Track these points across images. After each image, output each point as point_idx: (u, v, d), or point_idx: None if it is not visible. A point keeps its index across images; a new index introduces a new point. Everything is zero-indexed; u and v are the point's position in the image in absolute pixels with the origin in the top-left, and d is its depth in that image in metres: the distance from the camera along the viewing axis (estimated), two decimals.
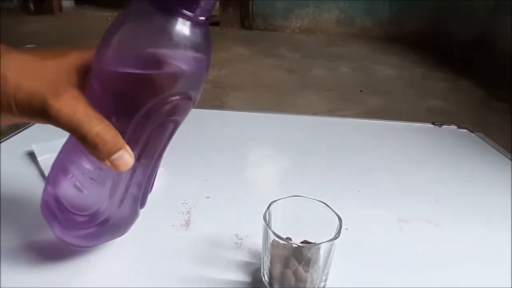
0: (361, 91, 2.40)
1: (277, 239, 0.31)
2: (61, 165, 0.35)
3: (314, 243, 0.35)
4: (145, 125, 0.30)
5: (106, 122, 0.29)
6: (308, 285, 0.33)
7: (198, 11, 0.28)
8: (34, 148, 0.57)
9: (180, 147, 0.52)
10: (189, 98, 0.31)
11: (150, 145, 0.32)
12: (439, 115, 2.09)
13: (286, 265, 0.33)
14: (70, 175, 0.34)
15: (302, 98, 2.19)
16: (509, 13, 2.72)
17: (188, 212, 0.47)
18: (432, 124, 0.83)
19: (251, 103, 1.99)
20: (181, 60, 0.29)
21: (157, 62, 0.28)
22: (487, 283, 0.40)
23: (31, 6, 4.38)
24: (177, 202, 0.49)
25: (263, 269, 0.35)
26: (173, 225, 0.44)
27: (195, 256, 0.40)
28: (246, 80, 2.30)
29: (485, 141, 0.77)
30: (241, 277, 0.38)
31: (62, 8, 4.56)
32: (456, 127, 0.83)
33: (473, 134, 0.80)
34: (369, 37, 4.04)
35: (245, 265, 0.39)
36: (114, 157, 0.29)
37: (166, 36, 0.28)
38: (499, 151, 0.71)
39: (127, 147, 0.29)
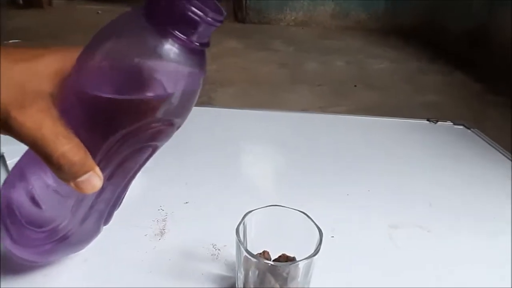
0: (355, 86, 2.36)
1: (249, 256, 0.28)
2: (20, 172, 0.31)
3: (293, 258, 0.32)
4: (121, 147, 0.27)
5: (76, 141, 0.26)
6: None
7: (194, 36, 0.25)
8: (4, 151, 0.53)
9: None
10: (172, 124, 0.28)
11: (124, 166, 0.29)
12: (434, 110, 2.07)
13: (262, 281, 0.30)
14: (30, 186, 0.30)
15: (293, 93, 2.15)
16: (507, 6, 2.69)
17: (164, 220, 0.44)
18: (427, 120, 0.80)
19: (240, 99, 1.95)
20: (168, 87, 0.26)
21: (141, 87, 0.25)
22: None
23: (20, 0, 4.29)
24: (153, 208, 0.46)
25: (238, 286, 0.32)
26: (146, 235, 0.41)
27: (167, 269, 0.37)
28: (236, 75, 2.26)
29: (481, 138, 0.74)
30: None
31: (51, 2, 4.47)
32: (452, 123, 0.80)
33: (469, 131, 0.77)
34: (364, 30, 3.99)
35: (221, 279, 0.36)
36: (80, 179, 0.26)
37: (156, 60, 0.25)
38: (496, 149, 0.68)
39: (97, 169, 0.26)
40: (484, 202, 0.53)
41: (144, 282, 0.35)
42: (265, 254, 0.33)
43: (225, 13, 0.26)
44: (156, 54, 0.25)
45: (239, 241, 0.29)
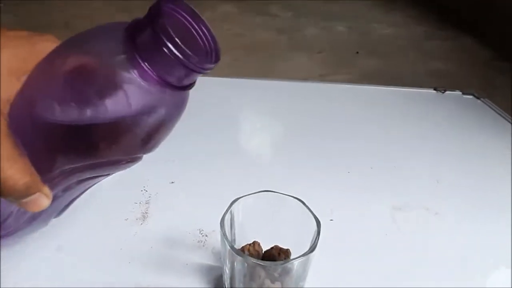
0: (357, 52, 2.26)
1: (234, 253, 0.24)
2: None
3: (286, 251, 0.28)
4: (73, 174, 0.25)
5: (21, 163, 0.22)
6: None
7: (171, 78, 0.22)
8: None
9: None
10: (134, 160, 0.26)
11: (83, 183, 0.27)
12: (442, 78, 1.98)
13: (251, 275, 0.27)
14: None
15: (291, 61, 2.05)
16: None
17: (147, 202, 0.40)
18: (435, 90, 0.75)
19: (235, 67, 1.86)
20: (133, 128, 0.23)
21: (94, 115, 0.22)
22: (493, 283, 0.34)
23: None
24: (135, 189, 0.42)
25: (225, 279, 0.29)
26: (126, 219, 0.38)
27: (147, 259, 0.33)
28: (230, 42, 2.15)
29: (492, 108, 0.69)
30: (201, 285, 0.31)
31: None
32: (460, 93, 0.75)
33: (479, 101, 0.73)
34: None
35: (207, 270, 0.32)
36: (25, 200, 0.23)
37: (115, 88, 0.22)
38: (508, 120, 0.64)
39: (45, 189, 0.24)
40: (497, 178, 0.49)
41: (122, 274, 0.32)
42: (255, 245, 0.29)
43: (218, 60, 0.23)
44: (117, 83, 0.22)
45: (223, 234, 0.25)
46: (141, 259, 0.33)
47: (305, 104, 0.66)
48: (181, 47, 0.21)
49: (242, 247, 0.29)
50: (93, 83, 0.22)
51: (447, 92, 0.74)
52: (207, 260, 0.34)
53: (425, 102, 0.70)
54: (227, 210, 0.27)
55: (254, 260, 0.23)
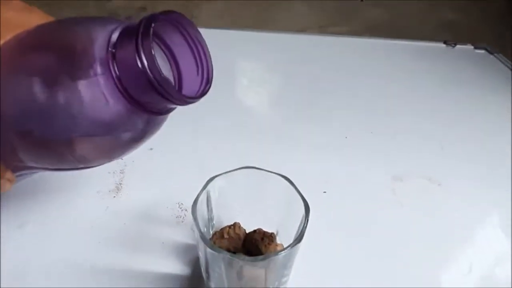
0: (361, 0, 2.12)
1: (202, 243, 0.20)
2: None
3: (271, 235, 0.25)
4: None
5: None
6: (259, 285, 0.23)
7: (146, 102, 0.20)
8: None
9: None
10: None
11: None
12: (452, 31, 1.86)
13: (229, 263, 0.23)
14: None
15: (289, 10, 1.92)
16: None
17: (122, 172, 0.36)
18: (444, 43, 0.68)
19: (227, 17, 1.74)
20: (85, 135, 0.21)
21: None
22: (497, 261, 0.31)
23: None
24: None
25: (201, 263, 0.26)
26: (98, 192, 0.34)
27: (120, 238, 0.30)
28: None
29: (505, 64, 0.64)
30: (177, 268, 0.28)
31: None
32: (472, 47, 0.69)
33: (492, 56, 0.67)
34: None
35: (185, 250, 0.29)
36: None
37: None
38: None
39: (8, 174, 0.23)
40: (509, 144, 0.45)
41: (90, 254, 0.29)
42: (236, 228, 0.26)
43: (205, 93, 0.22)
44: (79, 79, 0.19)
45: (194, 220, 0.22)
46: (112, 237, 0.30)
47: (302, 59, 0.60)
48: (160, 74, 0.18)
49: (222, 229, 0.26)
50: (61, 65, 0.19)
51: (457, 46, 0.68)
52: (186, 238, 0.30)
53: (434, 57, 0.64)
54: (201, 191, 0.23)
55: (230, 256, 0.20)
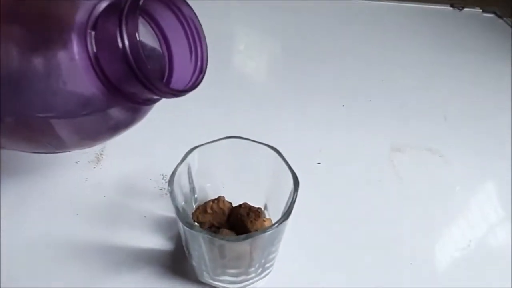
0: None
1: (182, 224, 0.19)
2: None
3: (257, 210, 0.23)
4: None
5: None
6: (243, 265, 0.22)
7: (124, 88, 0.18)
8: None
9: None
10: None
11: None
12: None
13: (211, 239, 0.22)
14: None
15: None
16: None
17: None
18: (451, 6, 0.64)
19: None
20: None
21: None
22: (499, 237, 0.30)
23: None
24: None
25: (182, 241, 0.24)
26: (77, 162, 0.32)
27: (98, 211, 0.28)
28: None
29: None
30: (160, 243, 0.27)
31: None
32: (480, 10, 0.65)
33: (501, 20, 0.63)
34: None
35: (169, 225, 0.28)
36: None
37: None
38: None
39: None
40: None
41: (67, 227, 0.27)
42: (219, 202, 0.24)
43: (195, 87, 0.20)
44: (54, 47, 0.17)
45: (171, 195, 0.19)
46: (91, 210, 0.28)
47: (295, 23, 0.56)
48: (142, 58, 0.16)
49: (205, 203, 0.24)
50: (39, 33, 0.17)
51: (465, 9, 0.64)
52: (170, 212, 0.29)
53: (439, 21, 0.60)
54: (180, 163, 0.21)
55: (208, 234, 0.18)
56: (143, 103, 0.20)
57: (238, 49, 0.51)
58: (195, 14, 0.20)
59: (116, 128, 0.22)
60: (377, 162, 0.35)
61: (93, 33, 0.17)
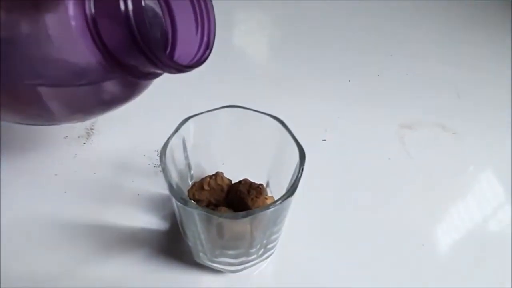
0: None
1: (175, 201, 0.17)
2: None
3: (258, 187, 0.21)
4: None
5: None
6: (243, 246, 0.20)
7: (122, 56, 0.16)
8: None
9: None
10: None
11: None
12: None
13: (208, 218, 0.20)
14: None
15: None
16: None
17: None
18: None
19: None
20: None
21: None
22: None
23: None
24: None
25: (177, 219, 0.22)
26: (65, 137, 0.30)
27: (89, 189, 0.26)
28: None
29: None
30: (154, 222, 0.25)
31: None
32: None
33: None
34: None
35: (163, 203, 0.26)
36: None
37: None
38: None
39: None
40: None
41: (55, 206, 0.25)
42: (217, 178, 0.22)
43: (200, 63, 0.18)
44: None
45: (163, 170, 0.18)
46: (81, 188, 0.26)
47: None
48: (146, 27, 0.15)
49: (202, 179, 0.22)
50: None
51: None
52: (165, 189, 0.27)
53: None
54: (172, 134, 0.19)
55: (201, 211, 0.16)
56: (142, 77, 0.18)
57: (242, 20, 0.49)
58: None
59: (110, 103, 0.20)
60: (386, 140, 0.32)
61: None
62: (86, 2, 0.15)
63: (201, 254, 0.21)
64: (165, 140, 0.20)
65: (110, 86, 0.18)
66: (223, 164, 0.24)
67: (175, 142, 0.19)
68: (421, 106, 0.36)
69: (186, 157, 0.21)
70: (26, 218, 0.25)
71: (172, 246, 0.24)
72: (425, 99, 0.37)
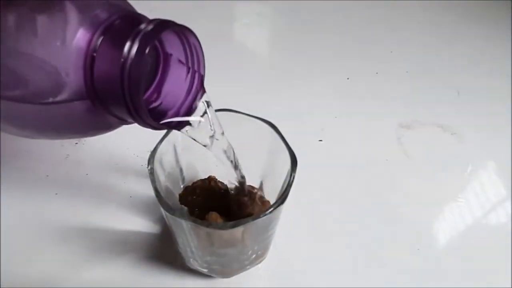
0: None
1: (164, 211, 0.16)
2: None
3: (252, 189, 0.20)
4: None
5: None
6: (234, 252, 0.20)
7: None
8: None
9: None
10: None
11: None
12: None
13: (194, 228, 0.19)
14: None
15: None
16: None
17: None
18: None
19: None
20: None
21: None
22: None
23: None
24: None
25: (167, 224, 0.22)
26: None
27: (81, 190, 0.26)
28: None
29: None
30: (146, 225, 0.24)
31: None
32: None
33: None
34: None
35: (156, 206, 0.25)
36: None
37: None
38: None
39: None
40: None
41: (46, 208, 0.25)
42: (210, 181, 0.21)
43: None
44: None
45: (150, 177, 0.17)
46: (72, 189, 0.26)
47: None
48: (139, 88, 0.15)
49: (194, 183, 0.22)
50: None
51: None
52: None
53: None
54: (161, 140, 0.19)
55: (189, 221, 0.15)
56: (119, 121, 0.17)
57: (236, 18, 0.48)
58: (200, 44, 0.17)
59: (78, 131, 0.19)
60: (384, 140, 0.32)
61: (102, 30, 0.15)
62: (95, 36, 0.15)
63: (191, 260, 0.20)
64: (157, 140, 0.19)
65: (81, 116, 0.17)
66: (216, 166, 0.23)
67: (165, 147, 0.19)
68: (420, 104, 0.36)
69: (178, 161, 0.21)
70: (16, 221, 0.24)
71: (163, 250, 0.23)
72: (424, 97, 0.37)
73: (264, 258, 0.22)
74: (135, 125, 0.30)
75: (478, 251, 0.25)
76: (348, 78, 0.38)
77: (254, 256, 0.20)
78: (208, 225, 0.16)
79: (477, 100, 0.37)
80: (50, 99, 0.16)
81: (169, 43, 0.17)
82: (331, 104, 0.35)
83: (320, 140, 0.31)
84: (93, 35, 0.15)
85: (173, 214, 0.16)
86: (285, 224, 0.21)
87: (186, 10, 0.46)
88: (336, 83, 0.37)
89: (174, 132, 0.19)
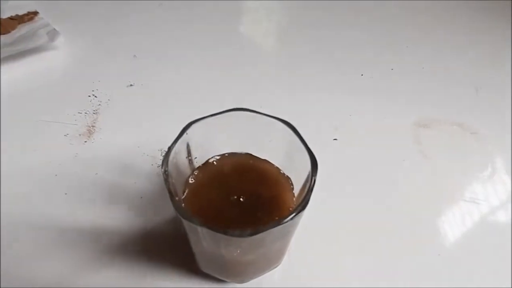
0: None
1: (180, 217, 0.15)
2: None
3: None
4: None
5: None
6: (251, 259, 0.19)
7: None
8: None
9: None
10: None
11: None
12: None
13: (212, 233, 0.19)
14: None
15: None
16: None
17: (96, 112, 0.31)
18: None
19: None
20: None
21: None
22: None
23: None
24: (82, 93, 0.32)
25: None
26: (66, 135, 0.29)
27: (91, 190, 0.25)
28: None
29: None
30: (158, 226, 0.24)
31: None
32: None
33: None
34: None
35: (167, 206, 0.25)
36: None
37: None
38: None
39: None
40: None
41: (55, 207, 0.24)
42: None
43: None
44: None
45: (165, 181, 0.16)
46: (81, 188, 0.25)
47: None
48: None
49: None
50: None
51: None
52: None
53: None
54: (176, 140, 0.18)
55: (205, 228, 0.15)
56: None
57: (248, 12, 0.47)
58: None
59: None
60: (401, 139, 0.31)
61: None
62: None
63: (206, 264, 0.20)
64: (168, 138, 0.18)
65: None
66: None
67: (179, 147, 0.18)
68: (438, 103, 0.34)
69: (191, 163, 0.20)
70: (21, 221, 0.24)
71: (176, 252, 0.23)
72: (441, 94, 0.35)
73: (280, 262, 0.21)
74: (146, 122, 0.29)
75: (498, 254, 0.24)
76: (362, 75, 0.37)
77: (270, 262, 0.20)
78: (226, 232, 0.15)
79: (496, 98, 0.36)
80: None
81: None
82: (345, 101, 0.34)
83: (335, 139, 0.30)
84: None
85: (189, 220, 0.15)
86: (300, 228, 0.21)
87: (195, 7, 0.45)
88: (350, 79, 0.36)
89: (188, 134, 0.19)
